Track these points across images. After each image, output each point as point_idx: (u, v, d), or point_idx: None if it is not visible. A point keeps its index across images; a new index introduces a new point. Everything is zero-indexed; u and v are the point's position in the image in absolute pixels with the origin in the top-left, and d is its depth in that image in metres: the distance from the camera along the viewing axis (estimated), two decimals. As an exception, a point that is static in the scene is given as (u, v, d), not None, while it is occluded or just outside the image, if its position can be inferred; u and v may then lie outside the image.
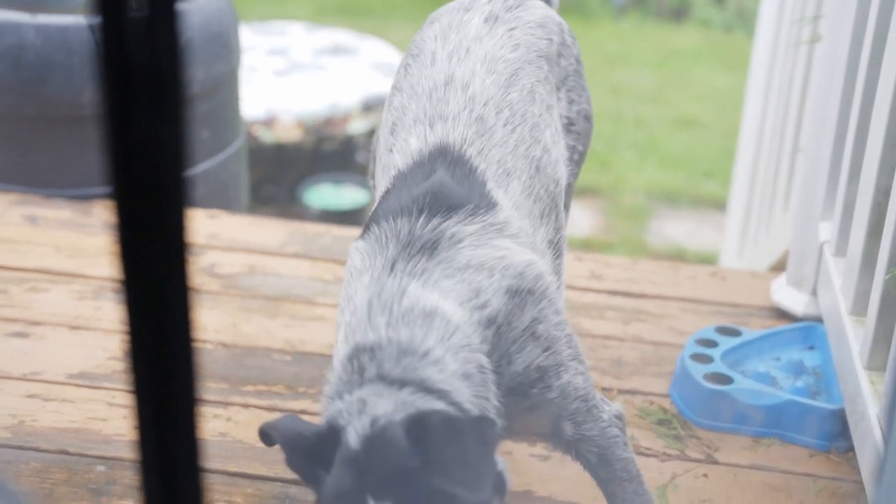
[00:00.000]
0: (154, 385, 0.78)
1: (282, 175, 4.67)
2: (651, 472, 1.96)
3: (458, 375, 1.37)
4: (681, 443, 2.05)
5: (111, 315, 2.35)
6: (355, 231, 2.83)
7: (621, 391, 2.21)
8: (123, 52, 0.75)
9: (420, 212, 1.46)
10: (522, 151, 1.61)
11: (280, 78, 4.82)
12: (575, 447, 1.55)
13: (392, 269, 1.43)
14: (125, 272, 0.75)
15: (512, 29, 1.73)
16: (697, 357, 2.18)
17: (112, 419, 2.02)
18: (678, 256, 5.31)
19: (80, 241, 2.64)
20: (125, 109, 0.76)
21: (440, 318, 1.38)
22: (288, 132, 4.58)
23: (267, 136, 4.57)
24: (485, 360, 1.40)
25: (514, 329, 1.45)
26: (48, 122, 2.74)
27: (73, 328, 2.31)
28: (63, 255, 2.58)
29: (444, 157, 1.54)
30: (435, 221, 1.45)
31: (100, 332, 2.29)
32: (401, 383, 1.33)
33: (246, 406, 2.09)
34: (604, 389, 2.21)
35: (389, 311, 1.39)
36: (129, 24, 0.76)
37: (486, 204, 1.49)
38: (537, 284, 1.48)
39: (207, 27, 2.87)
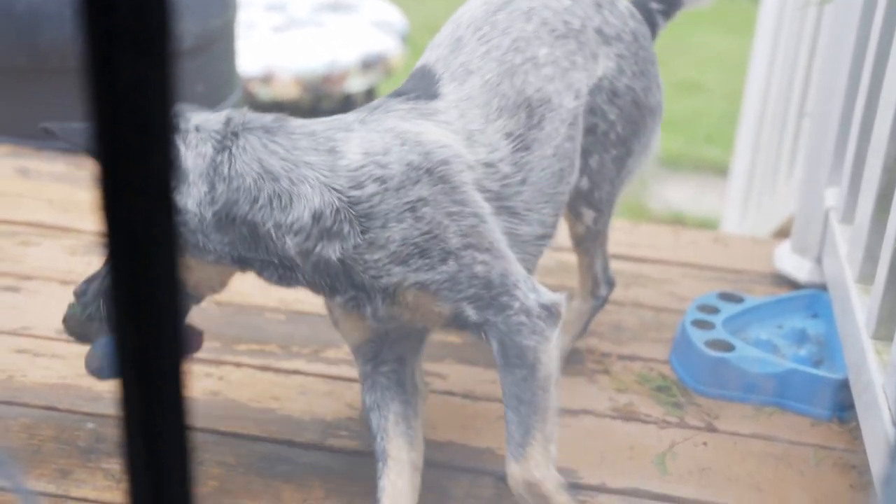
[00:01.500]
0: (138, 341, 0.75)
1: (279, 132, 4.62)
2: (650, 439, 1.93)
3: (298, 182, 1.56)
4: (680, 410, 2.02)
5: (103, 270, 2.31)
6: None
7: (620, 357, 2.17)
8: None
9: (388, 98, 1.70)
10: (494, 56, 1.74)
11: (278, 34, 4.75)
12: (479, 331, 1.60)
13: (349, 118, 1.65)
14: (109, 224, 0.71)
15: None
16: (698, 323, 2.15)
17: (102, 376, 1.99)
18: (678, 221, 5.27)
19: (73, 194, 2.59)
20: (109, 50, 0.71)
21: (340, 154, 1.57)
22: (285, 89, 4.52)
23: (264, 93, 4.50)
24: (339, 205, 1.55)
25: (399, 198, 1.55)
26: (40, 72, 2.69)
27: (64, 283, 2.26)
28: (55, 208, 2.53)
29: (418, 71, 1.76)
30: (386, 100, 1.68)
31: (91, 288, 2.25)
32: (244, 138, 1.57)
33: (238, 365, 2.06)
34: (602, 354, 2.18)
35: (314, 132, 1.60)
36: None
37: (426, 95, 1.67)
38: (440, 168, 1.58)
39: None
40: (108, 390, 1.94)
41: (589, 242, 2.02)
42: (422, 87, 1.70)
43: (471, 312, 1.58)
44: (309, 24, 4.86)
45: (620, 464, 1.87)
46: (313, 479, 1.78)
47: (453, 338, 2.19)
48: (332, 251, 1.56)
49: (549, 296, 1.62)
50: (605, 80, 1.84)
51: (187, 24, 2.71)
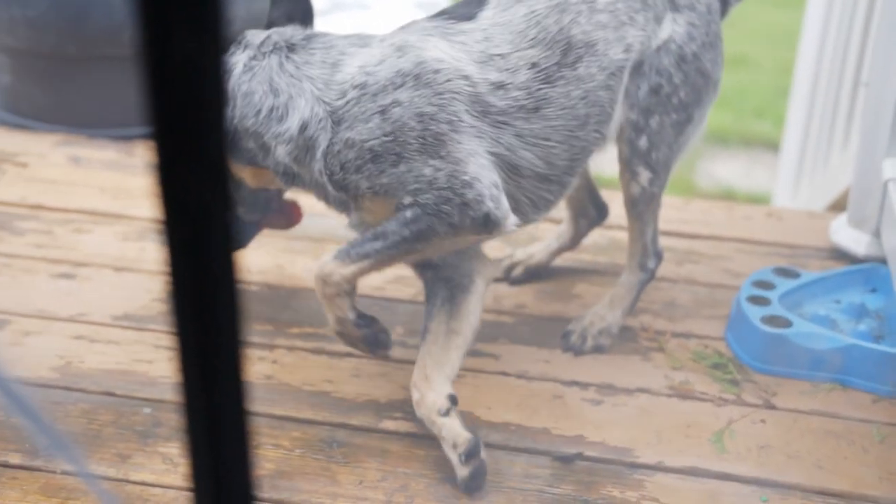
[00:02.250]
0: (198, 327, 0.75)
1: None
2: (706, 417, 1.91)
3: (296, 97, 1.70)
4: (737, 387, 1.99)
5: (155, 256, 2.32)
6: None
7: (675, 334, 2.15)
8: None
9: (429, 17, 1.81)
10: None
11: (322, 17, 4.75)
12: (404, 208, 1.69)
13: (372, 35, 1.78)
14: (166, 210, 0.71)
15: None
16: (754, 299, 2.12)
17: (157, 361, 2.00)
18: (728, 197, 5.20)
19: (124, 181, 2.61)
20: (164, 32, 0.71)
21: (339, 68, 1.70)
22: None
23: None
24: (322, 115, 1.69)
25: (374, 101, 1.66)
26: (90, 60, 2.70)
27: (118, 269, 2.28)
28: (107, 195, 2.55)
29: None
30: (423, 19, 1.80)
31: (144, 274, 2.27)
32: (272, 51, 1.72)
33: (292, 349, 2.06)
34: (656, 332, 2.16)
35: (331, 46, 1.74)
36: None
37: (461, 16, 1.77)
38: (427, 75, 1.68)
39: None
40: (164, 376, 1.96)
41: (643, 206, 2.01)
42: (465, 8, 1.80)
43: (408, 200, 1.68)
44: (353, 6, 4.85)
45: (678, 442, 1.85)
46: (368, 460, 1.78)
47: (505, 317, 2.18)
48: (315, 159, 1.70)
49: (502, 207, 1.70)
50: (673, 43, 1.89)
51: (235, 7, 2.72)
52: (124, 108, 2.77)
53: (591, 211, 2.28)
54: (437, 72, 1.69)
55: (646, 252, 2.10)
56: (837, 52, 3.17)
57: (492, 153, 1.72)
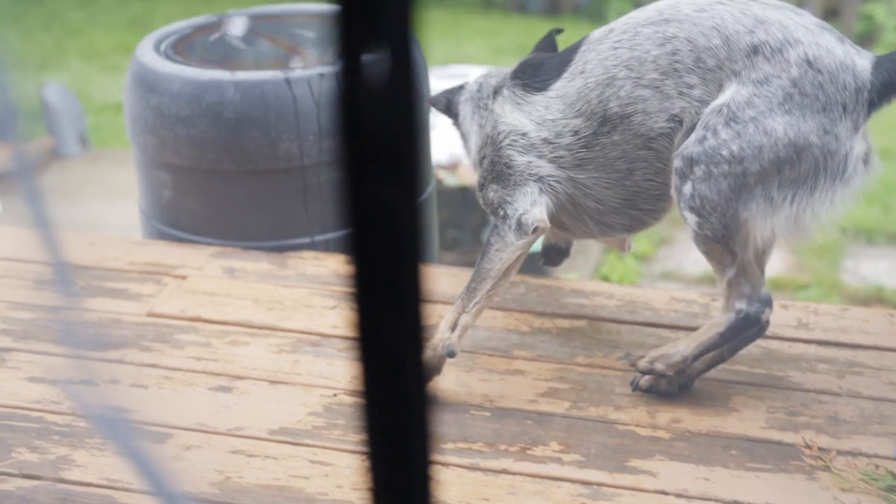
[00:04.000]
0: (389, 446, 0.76)
1: (466, 218, 4.67)
2: (882, 544, 1.81)
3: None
4: (913, 511, 1.89)
5: (309, 369, 2.36)
6: (549, 280, 2.77)
7: (840, 452, 2.06)
8: (358, 117, 0.72)
9: (513, 78, 2.33)
10: (608, 64, 2.15)
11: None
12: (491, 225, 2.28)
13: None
14: (360, 334, 0.73)
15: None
16: (926, 416, 2.02)
17: (314, 477, 2.01)
18: (877, 297, 5.04)
19: (277, 293, 2.67)
20: (363, 178, 0.73)
21: (488, 117, 2.35)
22: (471, 176, 4.57)
23: (450, 180, 4.57)
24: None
25: (479, 153, 2.33)
26: (245, 175, 2.79)
27: (273, 383, 2.32)
28: (261, 307, 2.61)
29: (563, 53, 2.29)
30: (507, 79, 2.33)
31: (299, 387, 2.30)
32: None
33: (446, 465, 2.05)
34: (821, 449, 2.07)
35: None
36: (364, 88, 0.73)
37: (535, 86, 2.25)
38: (498, 137, 2.27)
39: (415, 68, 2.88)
40: (321, 493, 1.97)
41: (703, 247, 2.11)
42: (542, 74, 2.26)
43: (490, 218, 2.30)
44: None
45: (852, 571, 1.76)
46: (529, 585, 1.74)
47: (661, 433, 2.13)
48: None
49: (529, 215, 2.21)
50: (726, 108, 2.04)
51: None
52: (276, 221, 2.85)
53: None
54: (503, 135, 2.27)
55: (732, 293, 2.11)
56: None
57: (547, 184, 2.23)
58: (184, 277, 2.74)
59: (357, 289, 0.72)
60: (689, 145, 2.07)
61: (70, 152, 5.80)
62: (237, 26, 3.14)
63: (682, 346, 2.16)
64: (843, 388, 2.28)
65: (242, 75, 2.75)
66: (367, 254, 0.73)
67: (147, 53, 2.91)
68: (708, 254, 2.13)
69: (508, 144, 2.25)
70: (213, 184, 2.81)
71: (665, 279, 5.15)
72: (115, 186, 5.58)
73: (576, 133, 2.19)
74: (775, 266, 5.28)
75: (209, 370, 2.36)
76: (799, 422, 2.14)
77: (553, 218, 2.27)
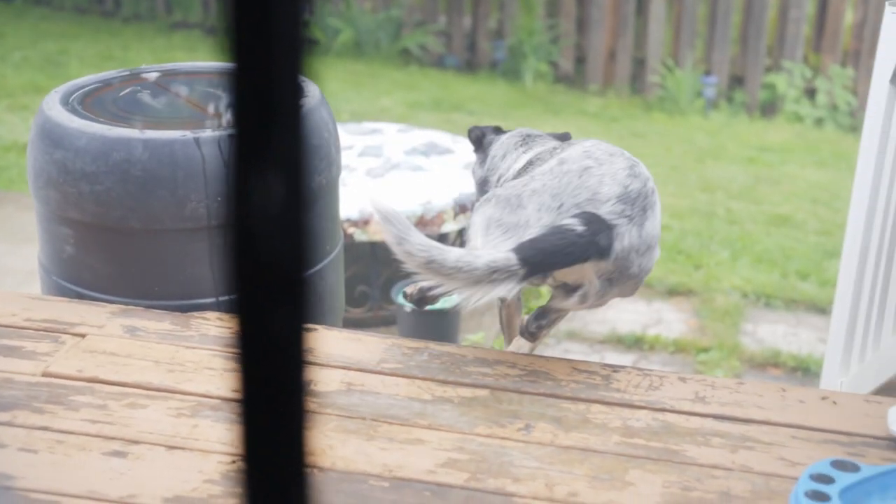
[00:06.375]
0: None
1: (375, 275, 4.67)
2: None
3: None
4: (798, 590, 1.94)
5: (208, 434, 2.33)
6: (453, 348, 2.79)
7: (731, 528, 2.10)
8: (245, 184, 0.73)
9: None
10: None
11: (374, 178, 4.85)
12: None
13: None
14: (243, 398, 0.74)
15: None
16: (813, 494, 2.08)
17: (208, 548, 1.99)
18: (773, 361, 5.16)
19: (179, 354, 2.64)
20: (247, 246, 0.74)
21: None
22: (381, 232, 4.59)
23: (360, 236, 4.58)
24: None
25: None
26: (151, 233, 2.77)
27: (170, 448, 2.29)
28: (162, 369, 2.57)
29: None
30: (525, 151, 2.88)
31: (196, 453, 2.27)
32: None
33: (343, 537, 2.04)
34: (713, 525, 2.11)
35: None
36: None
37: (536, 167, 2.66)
38: (491, 198, 2.63)
39: (307, 140, 2.89)
40: (215, 564, 1.94)
41: None
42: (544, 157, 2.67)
43: None
44: (404, 167, 4.96)
45: None
46: None
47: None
48: None
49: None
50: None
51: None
52: (181, 280, 2.82)
53: None
54: (487, 201, 2.62)
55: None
56: (889, 222, 3.18)
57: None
58: (83, 336, 2.70)
59: (240, 352, 0.73)
60: None
61: (-28, 193, 5.67)
62: (148, 82, 3.12)
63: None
64: (735, 462, 2.33)
65: (151, 133, 2.74)
66: (248, 320, 0.74)
67: (54, 107, 2.88)
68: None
69: (494, 200, 2.69)
70: (118, 241, 2.77)
71: (570, 339, 5.20)
72: (19, 231, 5.46)
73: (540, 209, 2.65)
74: (678, 328, 5.39)
75: (104, 434, 2.32)
76: (692, 497, 2.18)
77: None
